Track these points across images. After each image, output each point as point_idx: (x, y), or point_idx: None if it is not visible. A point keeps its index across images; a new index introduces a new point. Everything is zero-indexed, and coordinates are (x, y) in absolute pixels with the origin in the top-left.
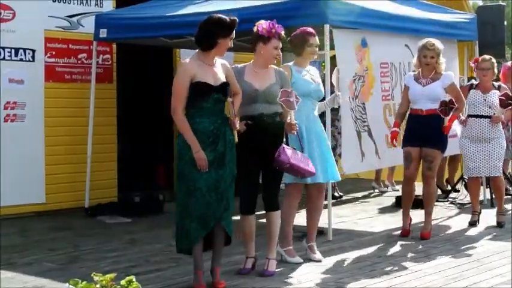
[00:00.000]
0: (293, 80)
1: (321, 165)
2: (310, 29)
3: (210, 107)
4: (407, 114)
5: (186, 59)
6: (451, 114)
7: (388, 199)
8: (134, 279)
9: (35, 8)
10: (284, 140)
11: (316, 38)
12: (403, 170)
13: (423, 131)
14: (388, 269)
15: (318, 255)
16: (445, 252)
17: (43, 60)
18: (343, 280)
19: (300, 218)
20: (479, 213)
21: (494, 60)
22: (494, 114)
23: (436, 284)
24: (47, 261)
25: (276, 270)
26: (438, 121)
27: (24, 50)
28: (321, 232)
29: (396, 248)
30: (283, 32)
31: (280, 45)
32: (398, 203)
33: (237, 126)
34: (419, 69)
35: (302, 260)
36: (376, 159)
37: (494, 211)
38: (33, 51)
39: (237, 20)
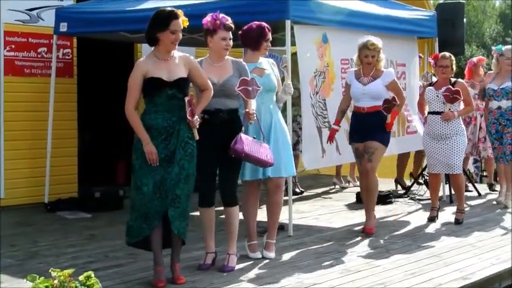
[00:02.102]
0: None
1: (275, 160)
2: (265, 24)
3: (164, 103)
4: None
5: (142, 57)
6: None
7: (349, 195)
8: (93, 275)
9: None
10: (243, 129)
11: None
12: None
13: (365, 127)
14: (348, 264)
15: (270, 253)
16: (404, 248)
17: (2, 54)
18: (303, 275)
19: (264, 214)
20: (438, 209)
21: (453, 57)
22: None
23: (395, 279)
24: (6, 256)
25: (237, 265)
26: (379, 116)
27: None
28: (282, 227)
29: (356, 244)
30: (229, 22)
31: (230, 35)
32: (359, 199)
33: (196, 125)
34: (360, 67)
35: (261, 256)
36: (337, 155)
37: (453, 207)
38: None
39: (175, 12)
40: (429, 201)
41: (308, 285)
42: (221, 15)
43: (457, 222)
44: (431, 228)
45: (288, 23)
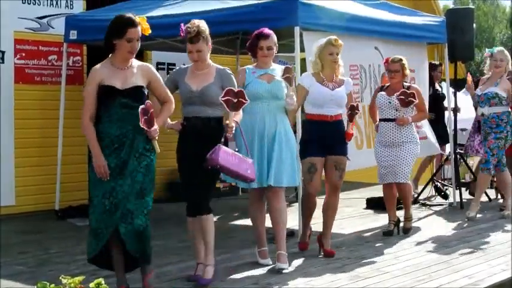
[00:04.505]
0: (247, 81)
1: (276, 168)
2: (264, 31)
3: (117, 112)
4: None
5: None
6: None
7: (358, 201)
8: (103, 282)
9: (4, 9)
10: (222, 140)
11: (269, 40)
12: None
13: (330, 139)
14: (357, 270)
15: (282, 264)
16: (413, 254)
17: (13, 62)
18: (312, 282)
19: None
20: (397, 222)
21: (405, 61)
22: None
23: (405, 285)
24: (17, 264)
25: (248, 272)
26: (341, 126)
27: None
28: (292, 234)
29: (366, 250)
30: (192, 34)
31: (197, 47)
32: (369, 205)
33: (154, 135)
34: (319, 71)
35: (271, 262)
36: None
37: (464, 212)
38: (3, 52)
39: (132, 19)
40: (440, 206)
41: None
42: (188, 26)
43: (406, 231)
44: (441, 234)
45: (297, 29)
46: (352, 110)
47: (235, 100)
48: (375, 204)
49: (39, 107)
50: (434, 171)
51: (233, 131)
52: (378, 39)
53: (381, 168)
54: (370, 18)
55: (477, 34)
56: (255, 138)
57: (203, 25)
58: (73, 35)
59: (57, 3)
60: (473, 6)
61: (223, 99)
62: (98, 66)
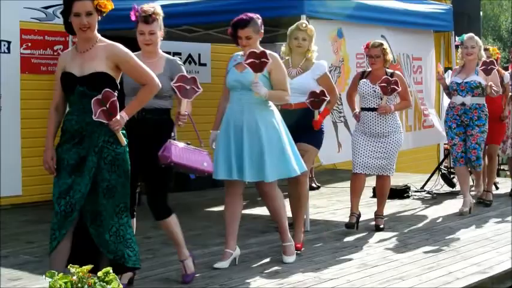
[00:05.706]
0: (228, 69)
1: (256, 163)
2: (240, 20)
3: (76, 102)
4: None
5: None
6: (323, 107)
7: (365, 190)
8: (111, 271)
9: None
10: (173, 134)
11: (246, 29)
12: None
13: (294, 127)
14: (365, 259)
15: (287, 257)
16: (421, 242)
17: (19, 52)
18: (320, 270)
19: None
20: (359, 216)
21: (386, 46)
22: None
23: (413, 273)
24: (24, 253)
25: (255, 262)
26: (310, 115)
27: (0, 41)
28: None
29: (373, 239)
30: (149, 13)
31: (151, 28)
32: (375, 194)
33: (115, 126)
34: (289, 57)
35: (226, 266)
36: None
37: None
38: (9, 42)
39: None
40: (448, 195)
41: (325, 280)
42: (143, 6)
43: (378, 228)
44: (449, 222)
45: (303, 18)
46: (314, 97)
47: (188, 87)
48: None
49: (45, 97)
50: (441, 159)
51: (185, 120)
52: (384, 27)
53: (357, 157)
54: (376, 6)
55: (483, 22)
56: (222, 128)
57: (159, 9)
58: None
59: None
60: None
61: (175, 85)
62: (66, 50)
